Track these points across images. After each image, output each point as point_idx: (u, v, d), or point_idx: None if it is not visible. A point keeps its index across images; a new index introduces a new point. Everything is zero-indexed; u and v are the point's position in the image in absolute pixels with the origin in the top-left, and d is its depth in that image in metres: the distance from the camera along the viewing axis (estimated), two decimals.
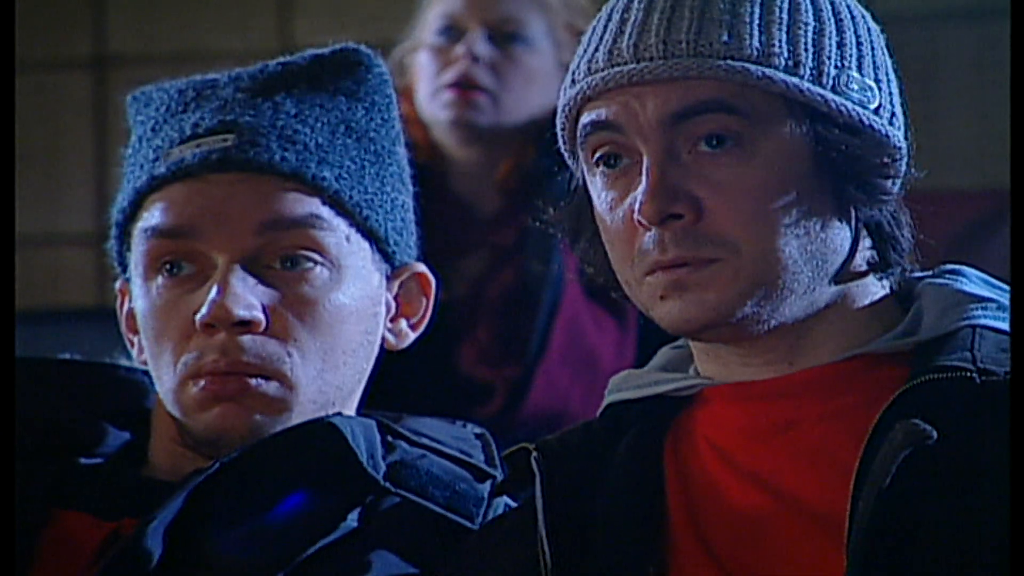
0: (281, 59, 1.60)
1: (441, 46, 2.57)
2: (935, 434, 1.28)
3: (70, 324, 1.74)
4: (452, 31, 2.57)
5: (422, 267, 1.64)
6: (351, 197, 1.55)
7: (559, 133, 1.44)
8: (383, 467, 1.54)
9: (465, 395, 2.43)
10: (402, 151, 1.63)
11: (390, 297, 1.61)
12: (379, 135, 1.59)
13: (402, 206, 1.61)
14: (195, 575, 1.47)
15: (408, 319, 1.63)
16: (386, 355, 1.67)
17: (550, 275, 2.52)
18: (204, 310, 1.50)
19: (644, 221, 1.35)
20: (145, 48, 4.04)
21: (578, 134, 1.40)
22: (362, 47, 1.61)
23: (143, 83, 1.64)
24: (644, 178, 1.35)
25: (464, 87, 2.53)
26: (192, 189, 1.53)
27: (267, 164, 1.53)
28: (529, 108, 2.49)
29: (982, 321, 1.39)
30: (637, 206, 1.34)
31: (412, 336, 1.64)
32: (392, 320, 1.62)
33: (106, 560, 1.47)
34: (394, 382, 1.79)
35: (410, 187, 1.64)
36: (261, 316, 1.51)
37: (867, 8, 1.45)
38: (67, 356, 1.66)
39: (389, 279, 1.61)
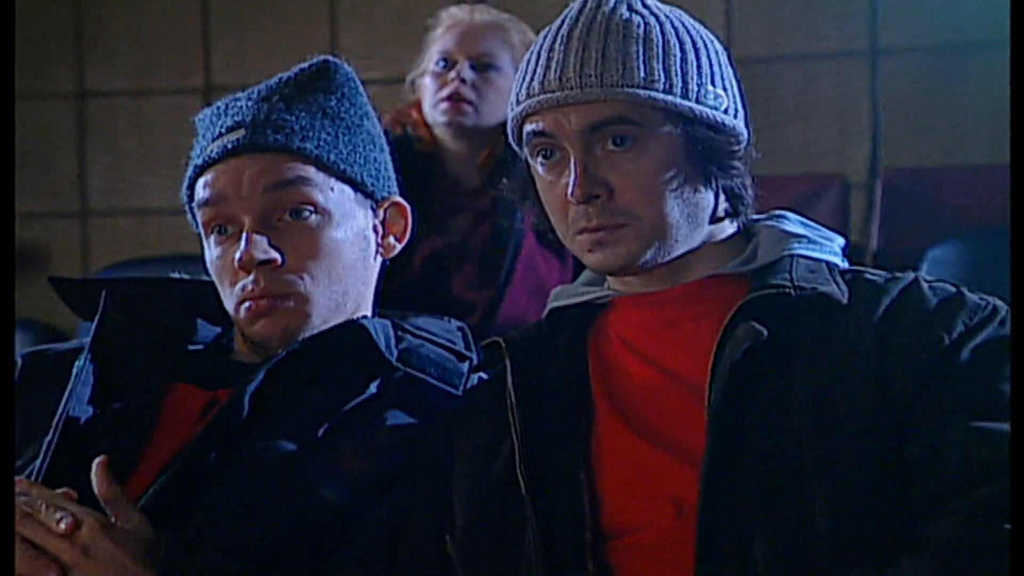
0: (279, 75, 1.59)
1: (439, 72, 2.58)
2: (766, 332, 1.30)
3: (185, 264, 1.76)
4: (447, 62, 2.58)
5: (398, 198, 1.62)
6: (329, 158, 1.53)
7: (510, 135, 1.43)
8: (395, 352, 1.54)
9: (456, 311, 2.42)
10: (369, 123, 1.60)
11: (378, 223, 1.59)
12: (349, 115, 1.57)
13: (374, 160, 1.59)
14: (270, 426, 1.47)
15: (394, 235, 1.62)
16: (401, 282, 1.64)
17: (514, 229, 2.53)
18: (237, 256, 1.51)
19: (574, 201, 1.35)
20: (240, 80, 4.02)
21: (523, 137, 1.40)
22: (331, 58, 1.60)
23: None
24: (572, 171, 1.35)
25: (455, 100, 2.54)
26: (219, 171, 1.53)
27: (264, 144, 1.52)
28: (500, 114, 2.47)
29: (798, 251, 1.40)
30: (570, 190, 1.35)
31: (399, 246, 1.62)
32: (383, 238, 1.60)
33: (212, 417, 1.47)
34: (408, 302, 1.79)
35: (383, 146, 1.62)
36: (276, 255, 1.51)
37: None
38: (176, 275, 1.66)
39: (375, 210, 1.59)
